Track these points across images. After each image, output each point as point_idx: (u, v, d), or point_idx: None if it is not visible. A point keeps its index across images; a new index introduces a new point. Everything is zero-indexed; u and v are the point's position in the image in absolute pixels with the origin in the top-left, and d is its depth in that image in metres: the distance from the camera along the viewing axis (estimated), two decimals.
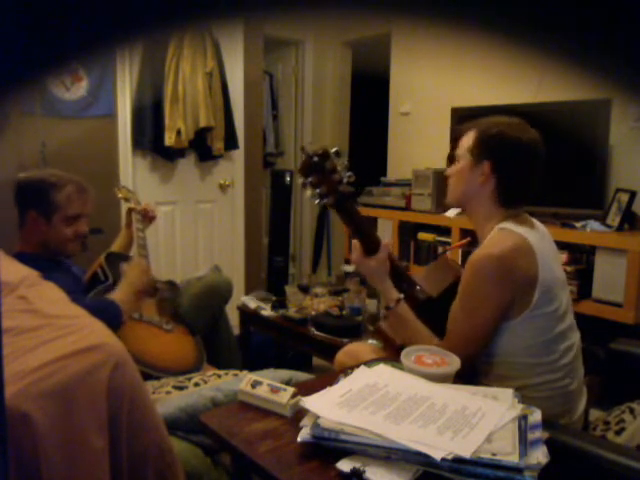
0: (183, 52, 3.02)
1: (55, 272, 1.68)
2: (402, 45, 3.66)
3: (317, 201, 1.21)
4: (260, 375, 1.26)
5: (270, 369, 1.56)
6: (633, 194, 2.36)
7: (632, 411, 1.33)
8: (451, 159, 1.41)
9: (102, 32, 0.28)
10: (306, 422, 0.91)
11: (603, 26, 0.25)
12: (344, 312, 2.42)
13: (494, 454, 0.80)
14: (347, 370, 1.11)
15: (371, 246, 1.34)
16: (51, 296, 1.12)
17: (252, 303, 2.68)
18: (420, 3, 0.27)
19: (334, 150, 1.21)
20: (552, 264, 1.26)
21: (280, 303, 2.63)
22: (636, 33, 0.25)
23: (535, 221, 1.33)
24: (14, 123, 2.43)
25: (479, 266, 1.22)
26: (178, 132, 3.01)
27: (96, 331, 1.00)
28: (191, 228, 3.35)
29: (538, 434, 0.87)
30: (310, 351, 2.71)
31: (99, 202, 1.92)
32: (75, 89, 2.70)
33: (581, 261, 2.37)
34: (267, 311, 2.59)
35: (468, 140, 1.33)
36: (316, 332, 2.32)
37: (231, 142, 3.29)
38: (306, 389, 1.04)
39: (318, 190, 1.20)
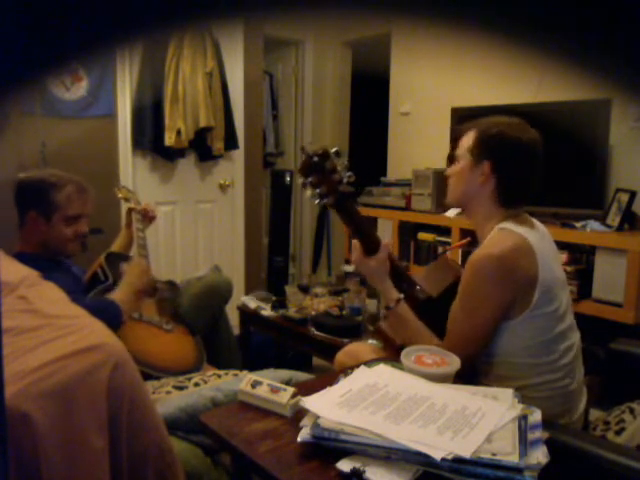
0: (183, 52, 3.02)
1: (55, 272, 1.68)
2: (402, 45, 3.66)
3: (317, 201, 1.21)
4: (260, 375, 1.26)
5: (270, 369, 1.56)
6: (633, 194, 2.36)
7: (632, 411, 1.33)
8: (451, 159, 1.41)
9: (102, 32, 0.28)
10: (306, 422, 0.91)
11: (603, 26, 0.25)
12: (344, 312, 2.42)
13: (494, 454, 0.80)
14: (347, 370, 1.11)
15: (371, 246, 1.34)
16: (51, 296, 1.12)
17: (252, 303, 2.68)
18: (420, 3, 0.27)
19: (334, 150, 1.21)
20: (552, 264, 1.26)
21: (280, 303, 2.63)
22: (636, 33, 0.25)
23: (535, 221, 1.33)
24: (14, 123, 2.43)
25: (479, 266, 1.22)
26: (178, 132, 3.01)
27: (96, 331, 1.00)
28: (191, 228, 3.35)
29: (538, 434, 0.87)
30: (310, 351, 2.71)
31: (99, 202, 1.92)
32: (75, 89, 2.70)
33: (581, 261, 2.37)
34: (267, 311, 2.60)
35: (468, 140, 1.33)
36: (316, 332, 2.32)
37: (231, 142, 3.29)
38: (306, 389, 1.04)
39: (318, 190, 1.20)
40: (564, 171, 2.50)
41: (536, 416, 0.91)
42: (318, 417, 0.90)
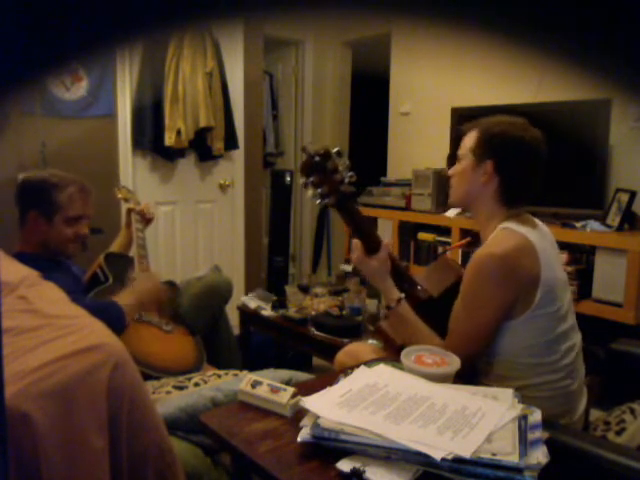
0: (183, 52, 3.02)
1: (55, 272, 1.68)
2: (402, 45, 3.66)
3: (318, 201, 1.21)
4: (260, 375, 1.26)
5: (270, 369, 1.56)
6: (633, 194, 2.36)
7: (633, 411, 1.33)
8: (451, 159, 1.41)
9: (102, 32, 0.28)
10: (306, 422, 0.91)
11: (603, 26, 0.25)
12: (344, 312, 2.42)
13: (494, 454, 0.80)
14: (347, 370, 1.11)
15: (372, 245, 1.34)
16: (51, 296, 1.12)
17: (252, 303, 2.68)
18: (420, 3, 0.27)
19: (336, 150, 1.20)
20: (554, 264, 1.26)
21: (280, 303, 2.63)
22: (636, 33, 0.25)
23: (537, 221, 1.33)
24: (14, 123, 2.43)
25: (482, 265, 1.22)
26: (178, 132, 3.01)
27: (96, 331, 1.00)
28: (191, 228, 3.35)
29: (538, 434, 0.87)
30: (310, 351, 2.71)
31: (99, 202, 1.92)
32: (75, 89, 2.70)
33: (581, 261, 2.37)
34: (267, 311, 2.60)
35: (470, 140, 1.33)
36: (316, 332, 2.32)
37: (231, 142, 3.29)
38: (306, 389, 1.04)
39: (319, 190, 1.20)
40: (564, 171, 2.50)
41: (536, 416, 0.91)
42: (318, 417, 0.90)
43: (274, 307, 2.61)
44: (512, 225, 1.25)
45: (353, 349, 1.49)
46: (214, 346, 2.15)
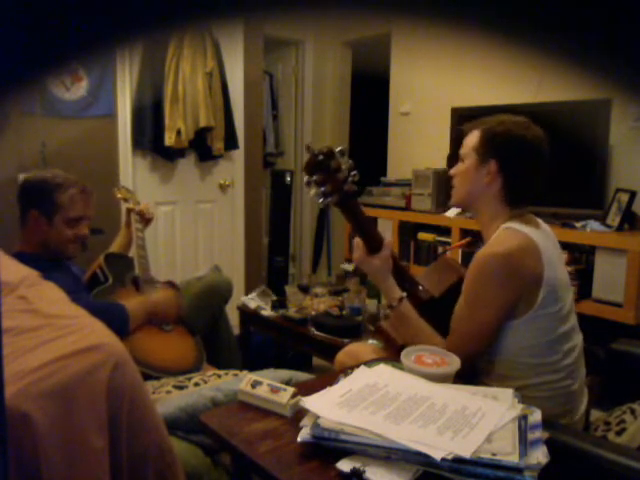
0: (183, 52, 3.02)
1: (55, 272, 1.68)
2: (402, 45, 3.66)
3: (321, 200, 1.21)
4: (260, 375, 1.26)
5: (270, 369, 1.56)
6: (633, 194, 2.36)
7: (633, 412, 1.33)
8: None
9: (102, 32, 0.28)
10: (306, 422, 0.91)
11: (603, 26, 0.25)
12: (344, 312, 2.42)
13: (494, 454, 0.80)
14: (347, 370, 1.11)
15: (374, 244, 1.34)
16: (51, 296, 1.12)
17: (252, 303, 2.68)
18: (420, 3, 0.27)
19: (339, 149, 1.20)
20: (557, 264, 1.26)
21: (280, 303, 2.63)
22: (636, 33, 0.25)
23: (540, 221, 1.33)
24: (14, 123, 2.43)
25: (485, 265, 1.22)
26: (178, 132, 3.01)
27: (96, 331, 1.00)
28: (191, 228, 3.35)
29: (538, 434, 0.87)
30: (310, 351, 2.71)
31: (99, 202, 1.92)
32: (75, 89, 2.70)
33: (581, 261, 2.37)
34: (267, 311, 2.59)
35: (473, 139, 1.33)
36: (316, 332, 2.32)
37: (231, 142, 3.29)
38: (306, 389, 1.04)
39: (322, 189, 1.20)
40: (564, 171, 2.50)
41: (536, 416, 0.91)
42: (318, 417, 0.90)
43: (274, 307, 2.60)
44: (515, 225, 1.25)
45: (353, 349, 1.49)
46: (214, 346, 2.15)
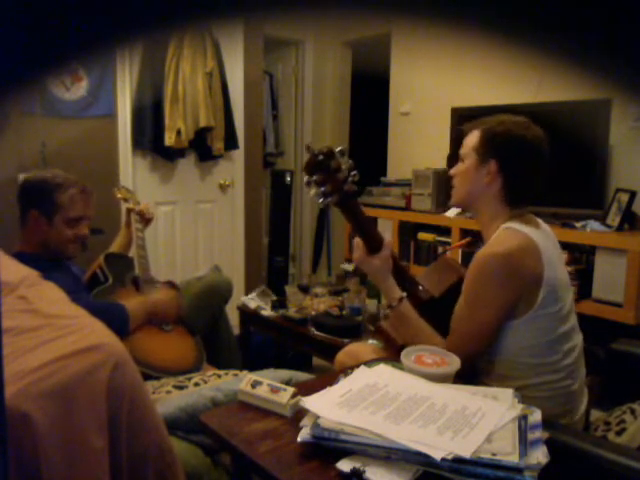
0: (183, 52, 3.02)
1: (55, 272, 1.69)
2: (402, 45, 3.66)
3: (321, 199, 1.21)
4: (260, 375, 1.26)
5: (270, 369, 1.56)
6: (633, 194, 2.36)
7: (633, 412, 1.33)
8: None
9: (102, 32, 0.28)
10: (306, 422, 0.91)
11: (603, 26, 0.25)
12: (344, 312, 2.42)
13: (494, 454, 0.80)
14: (347, 370, 1.11)
15: (374, 244, 1.34)
16: (51, 296, 1.12)
17: (252, 303, 2.68)
18: (420, 3, 0.27)
19: (339, 149, 1.20)
20: (557, 264, 1.26)
21: (280, 303, 2.63)
22: (636, 33, 0.25)
23: (540, 221, 1.33)
24: (14, 123, 2.43)
25: (485, 265, 1.22)
26: (178, 132, 3.01)
27: (96, 331, 1.00)
28: (191, 228, 3.35)
29: (538, 434, 0.87)
30: (310, 351, 2.71)
31: (99, 202, 1.92)
32: (75, 89, 2.70)
33: (581, 261, 2.37)
34: (267, 311, 2.59)
35: (473, 139, 1.32)
36: (316, 332, 2.32)
37: (231, 142, 3.29)
38: (306, 389, 1.04)
39: (323, 188, 1.19)
40: (564, 171, 2.50)
41: (536, 416, 0.91)
42: (318, 417, 0.90)
43: (274, 307, 2.60)
44: (515, 225, 1.25)
45: (353, 349, 1.49)
46: (214, 346, 2.15)
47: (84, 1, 0.27)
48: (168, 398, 1.44)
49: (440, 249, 2.99)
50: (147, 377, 1.58)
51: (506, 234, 1.24)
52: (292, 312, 2.51)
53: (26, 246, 1.77)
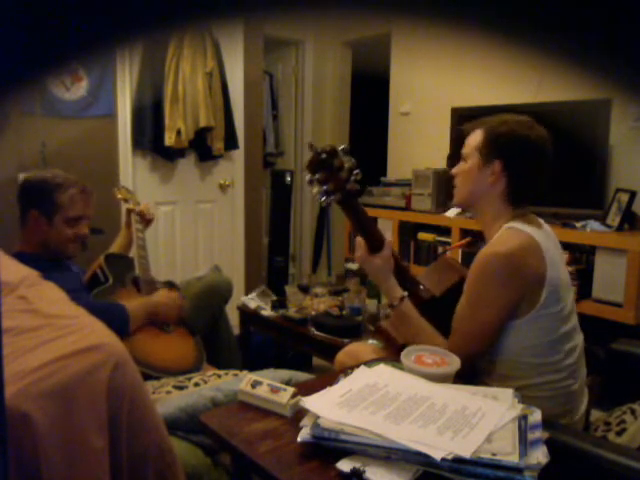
0: (183, 52, 3.02)
1: (55, 272, 1.69)
2: (402, 45, 3.66)
3: (323, 198, 1.20)
4: (260, 375, 1.26)
5: (270, 369, 1.56)
6: (633, 194, 2.36)
7: (633, 412, 1.33)
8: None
9: (102, 32, 0.28)
10: (306, 422, 0.91)
11: (603, 26, 0.25)
12: (344, 312, 2.42)
13: (494, 454, 0.80)
14: (347, 370, 1.11)
15: (375, 244, 1.34)
16: (51, 296, 1.12)
17: (252, 303, 2.68)
18: (420, 3, 0.27)
19: (342, 147, 1.20)
20: (558, 264, 1.26)
21: (280, 303, 2.63)
22: (636, 33, 0.25)
23: (542, 221, 1.33)
24: (14, 123, 2.43)
25: (487, 265, 1.21)
26: (178, 132, 3.01)
27: (96, 331, 1.00)
28: (191, 228, 3.35)
29: (538, 434, 0.87)
30: (310, 351, 2.71)
31: (99, 202, 1.92)
32: (75, 89, 2.70)
33: (581, 261, 2.37)
34: (267, 311, 2.59)
35: (476, 139, 1.32)
36: (316, 332, 2.32)
37: (231, 142, 3.29)
38: (306, 389, 1.04)
39: (325, 187, 1.19)
40: (564, 171, 2.49)
41: (536, 416, 0.91)
42: (318, 417, 0.90)
43: (274, 307, 2.60)
44: (518, 225, 1.25)
45: (353, 349, 1.49)
46: (214, 346, 2.15)
47: (84, 1, 0.27)
48: (168, 398, 1.44)
49: (440, 249, 3.00)
50: (147, 377, 1.58)
51: (508, 234, 1.24)
52: (292, 312, 2.50)
53: (26, 246, 1.77)
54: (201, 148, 3.21)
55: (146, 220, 2.12)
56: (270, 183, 4.12)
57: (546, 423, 0.92)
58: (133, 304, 1.75)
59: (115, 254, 2.01)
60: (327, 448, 0.87)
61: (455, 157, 1.39)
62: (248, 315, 2.69)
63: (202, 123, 3.05)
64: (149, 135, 3.00)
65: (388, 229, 3.23)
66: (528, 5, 0.26)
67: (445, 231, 2.98)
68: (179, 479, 1.06)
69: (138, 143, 3.00)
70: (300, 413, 0.97)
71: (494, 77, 3.03)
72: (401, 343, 1.29)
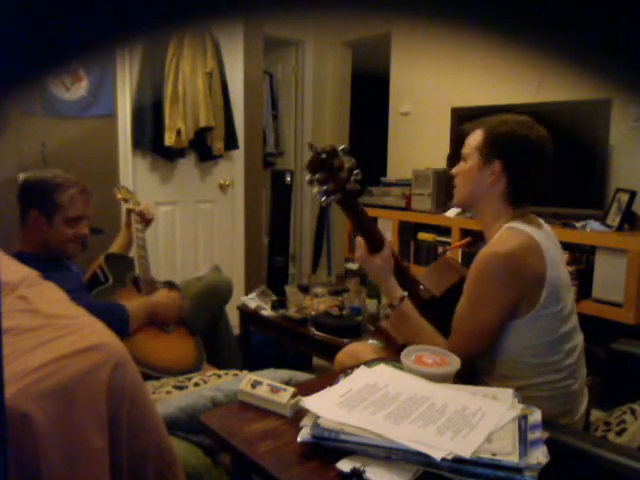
0: (183, 52, 3.02)
1: (55, 272, 1.69)
2: (402, 45, 3.66)
3: (324, 198, 1.20)
4: (260, 375, 1.26)
5: (270, 369, 1.56)
6: (633, 194, 2.36)
7: (633, 412, 1.33)
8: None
9: (102, 32, 0.28)
10: (306, 422, 0.91)
11: (603, 26, 0.25)
12: (344, 312, 2.42)
13: (494, 454, 0.80)
14: (347, 370, 1.11)
15: (375, 244, 1.34)
16: (51, 296, 1.12)
17: (252, 303, 2.68)
18: (420, 3, 0.27)
19: (342, 147, 1.20)
20: (558, 264, 1.26)
21: (280, 303, 2.63)
22: (636, 33, 0.25)
23: (542, 222, 1.33)
24: (14, 123, 2.43)
25: (487, 264, 1.21)
26: (178, 132, 3.01)
27: (96, 331, 1.00)
28: (191, 228, 3.35)
29: (538, 434, 0.87)
30: (310, 351, 2.71)
31: (99, 202, 1.92)
32: (75, 89, 2.70)
33: (581, 261, 2.37)
34: (267, 311, 2.59)
35: (476, 139, 1.32)
36: (316, 332, 2.31)
37: (231, 142, 3.29)
38: (306, 389, 1.04)
39: (325, 187, 1.19)
40: (564, 171, 2.49)
41: (536, 416, 0.91)
42: (318, 417, 0.90)
43: (274, 307, 2.60)
44: (518, 225, 1.25)
45: (353, 349, 1.49)
46: (214, 346, 2.15)
47: (84, 1, 0.27)
48: (168, 398, 1.44)
49: (440, 249, 3.00)
50: (147, 377, 1.58)
51: (508, 233, 1.24)
52: (292, 312, 2.50)
53: (26, 246, 1.77)
54: (201, 148, 3.21)
55: (146, 220, 2.12)
56: (270, 183, 4.12)
57: (546, 423, 0.92)
58: (133, 304, 1.75)
59: (115, 254, 2.01)
60: (327, 448, 0.87)
61: (455, 157, 1.39)
62: (248, 315, 2.69)
63: (202, 123, 3.05)
64: (149, 135, 3.00)
65: (388, 229, 3.23)
66: (528, 5, 0.26)
67: (445, 231, 2.98)
68: (179, 479, 1.06)
69: (138, 143, 3.00)
70: (300, 413, 0.97)
71: (494, 77, 3.03)
72: (401, 343, 1.29)
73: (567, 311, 1.25)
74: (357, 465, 0.82)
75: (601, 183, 2.51)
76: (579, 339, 1.31)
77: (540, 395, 1.22)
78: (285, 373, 1.50)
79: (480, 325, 1.23)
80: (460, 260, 2.66)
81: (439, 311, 1.33)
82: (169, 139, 2.98)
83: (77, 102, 2.71)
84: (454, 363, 1.10)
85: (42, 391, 0.84)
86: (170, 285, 2.06)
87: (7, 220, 1.86)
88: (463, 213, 2.81)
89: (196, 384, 1.54)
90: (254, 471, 0.90)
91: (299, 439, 0.88)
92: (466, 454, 0.79)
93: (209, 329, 2.17)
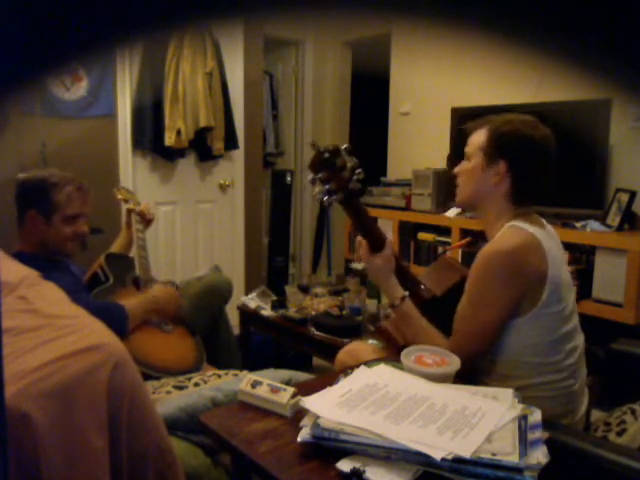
0: (183, 52, 3.02)
1: (55, 272, 1.69)
2: (402, 45, 3.66)
3: (325, 197, 1.20)
4: (260, 375, 1.26)
5: (270, 369, 1.56)
6: (633, 194, 2.36)
7: (633, 412, 1.33)
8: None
9: (102, 32, 0.28)
10: (306, 422, 0.91)
11: (603, 26, 0.25)
12: (344, 312, 2.42)
13: (494, 454, 0.80)
14: (347, 370, 1.11)
15: (377, 243, 1.34)
16: (51, 296, 1.12)
17: (252, 303, 2.68)
18: (420, 3, 0.27)
19: (344, 147, 1.20)
20: (560, 264, 1.26)
21: (280, 303, 2.63)
22: (636, 33, 0.25)
23: (544, 222, 1.33)
24: (14, 123, 2.43)
25: (488, 262, 1.21)
26: (178, 132, 3.01)
27: (96, 331, 1.00)
28: (191, 228, 3.35)
29: (538, 434, 0.87)
30: (310, 351, 2.71)
31: (99, 202, 1.92)
32: (75, 89, 2.70)
33: (581, 261, 2.37)
34: (267, 311, 2.59)
35: (479, 138, 1.31)
36: (316, 332, 2.31)
37: (231, 142, 3.29)
38: (306, 389, 1.04)
39: (327, 186, 1.19)
40: (564, 171, 2.49)
41: (536, 416, 0.91)
42: (318, 417, 0.90)
43: (274, 307, 2.60)
44: (520, 223, 1.24)
45: (353, 349, 1.49)
46: (214, 346, 2.15)
47: (84, 1, 0.27)
48: (168, 398, 1.44)
49: (440, 249, 3.00)
50: (147, 377, 1.58)
51: (510, 232, 1.24)
52: (292, 312, 2.50)
53: (25, 246, 1.77)
54: (201, 148, 3.21)
55: (146, 220, 2.12)
56: (270, 183, 4.12)
57: (546, 423, 0.92)
58: (131, 302, 1.75)
59: (115, 254, 2.01)
60: (327, 448, 0.87)
61: (455, 157, 1.39)
62: (248, 315, 2.69)
63: (202, 123, 3.05)
64: (149, 135, 3.00)
65: (388, 229, 3.23)
66: (528, 5, 0.26)
67: (445, 231, 2.98)
68: (179, 479, 1.06)
69: (138, 143, 3.00)
70: (300, 413, 0.97)
71: (494, 77, 3.03)
72: (402, 343, 1.29)
73: (568, 311, 1.25)
74: (357, 465, 0.82)
75: (601, 183, 2.51)
76: (580, 339, 1.31)
77: (541, 395, 1.22)
78: (285, 373, 1.50)
79: (481, 324, 1.23)
80: (460, 260, 2.66)
81: (440, 311, 1.33)
82: (169, 139, 2.98)
83: (77, 102, 2.71)
84: (454, 363, 1.10)
85: (42, 391, 0.84)
86: (170, 285, 2.06)
87: (7, 220, 1.86)
88: (463, 213, 2.81)
89: (196, 384, 1.54)
90: (254, 471, 0.90)
91: (299, 439, 0.88)
92: (466, 454, 0.79)
93: (209, 329, 2.17)
